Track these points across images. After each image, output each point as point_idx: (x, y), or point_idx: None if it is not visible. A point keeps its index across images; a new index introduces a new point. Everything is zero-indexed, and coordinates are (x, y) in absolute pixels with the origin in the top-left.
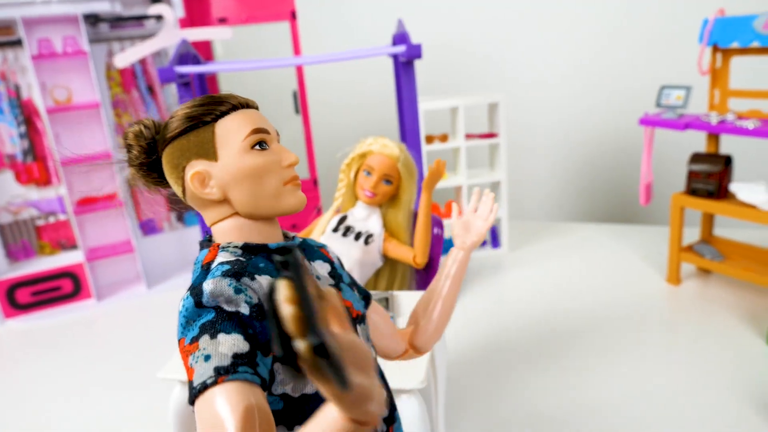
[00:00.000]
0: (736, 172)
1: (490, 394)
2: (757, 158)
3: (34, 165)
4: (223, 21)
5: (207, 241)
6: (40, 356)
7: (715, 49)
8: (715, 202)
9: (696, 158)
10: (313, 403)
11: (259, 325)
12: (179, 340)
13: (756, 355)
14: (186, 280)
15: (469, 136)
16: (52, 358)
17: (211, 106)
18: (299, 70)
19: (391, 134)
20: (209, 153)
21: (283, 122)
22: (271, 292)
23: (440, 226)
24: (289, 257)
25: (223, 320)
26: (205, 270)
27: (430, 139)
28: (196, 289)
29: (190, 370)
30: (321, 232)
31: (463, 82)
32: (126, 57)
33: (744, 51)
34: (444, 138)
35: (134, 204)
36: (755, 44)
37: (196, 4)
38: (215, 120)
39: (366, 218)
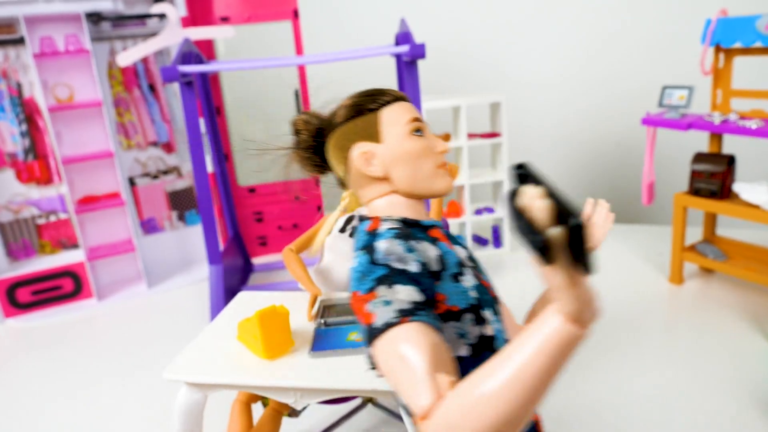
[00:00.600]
0: (739, 172)
1: None
2: (759, 158)
3: (35, 163)
4: (225, 20)
5: (365, 216)
6: (40, 356)
7: (718, 49)
8: (718, 202)
9: (699, 158)
10: (464, 365)
11: (426, 282)
12: (353, 293)
13: (758, 355)
14: (186, 279)
15: (471, 136)
16: (52, 358)
17: (376, 96)
18: (301, 69)
19: None
20: (374, 136)
21: (284, 121)
22: (512, 196)
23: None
24: (525, 167)
25: (396, 275)
26: (372, 235)
27: None
28: (369, 248)
29: (368, 315)
30: (327, 232)
31: (464, 82)
32: (128, 56)
33: (747, 51)
34: (446, 137)
35: (135, 203)
36: (758, 44)
37: (199, 3)
38: (379, 108)
39: None
